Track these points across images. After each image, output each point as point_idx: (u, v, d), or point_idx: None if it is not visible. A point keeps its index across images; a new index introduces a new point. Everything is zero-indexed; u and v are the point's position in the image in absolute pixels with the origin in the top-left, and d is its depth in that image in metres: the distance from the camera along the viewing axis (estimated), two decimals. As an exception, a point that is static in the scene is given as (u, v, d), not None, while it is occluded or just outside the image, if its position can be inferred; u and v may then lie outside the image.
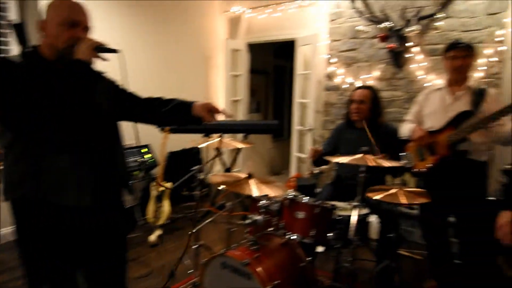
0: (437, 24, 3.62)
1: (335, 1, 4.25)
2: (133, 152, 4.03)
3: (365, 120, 2.73)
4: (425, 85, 3.72)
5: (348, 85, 4.23)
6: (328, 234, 2.12)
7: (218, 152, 2.63)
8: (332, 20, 4.32)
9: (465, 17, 3.56)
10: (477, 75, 3.47)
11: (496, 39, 3.38)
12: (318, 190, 3.08)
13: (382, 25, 3.81)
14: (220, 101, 5.45)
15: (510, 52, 3.30)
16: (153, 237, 3.42)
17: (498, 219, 1.51)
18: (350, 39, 4.19)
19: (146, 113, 1.72)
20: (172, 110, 1.66)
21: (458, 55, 2.47)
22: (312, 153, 2.83)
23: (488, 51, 3.43)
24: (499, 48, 3.35)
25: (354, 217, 1.93)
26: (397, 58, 3.86)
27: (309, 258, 2.14)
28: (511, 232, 1.35)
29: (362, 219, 2.20)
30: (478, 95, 2.46)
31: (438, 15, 3.60)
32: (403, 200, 2.06)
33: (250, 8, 5.14)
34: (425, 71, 3.77)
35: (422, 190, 2.21)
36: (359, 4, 4.02)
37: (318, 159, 2.85)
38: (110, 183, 1.51)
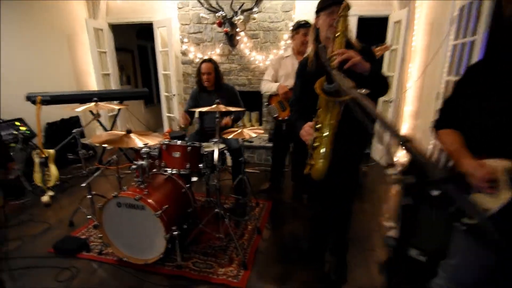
0: (254, 15, 3.74)
1: (181, -8, 3.87)
2: (5, 126, 3.03)
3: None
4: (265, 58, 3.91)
5: (199, 59, 4.06)
6: (199, 165, 2.11)
7: (96, 115, 2.19)
8: (180, 8, 3.94)
9: (270, 12, 3.78)
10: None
11: (290, 29, 3.72)
12: (187, 138, 2.99)
13: (218, 14, 3.71)
14: (91, 75, 4.50)
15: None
16: (45, 198, 2.73)
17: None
18: (196, 24, 3.95)
19: None
20: None
21: (308, 32, 2.49)
22: (184, 119, 2.65)
23: (285, 35, 3.79)
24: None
25: (216, 151, 1.95)
26: (231, 40, 3.88)
27: (188, 185, 2.12)
28: (309, 134, 1.31)
29: (221, 152, 2.26)
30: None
31: (254, 9, 3.72)
32: (248, 135, 2.19)
33: (107, -8, 4.22)
34: (249, 49, 3.93)
35: (259, 127, 2.39)
36: (200, -4, 3.79)
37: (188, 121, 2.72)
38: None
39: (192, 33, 4.00)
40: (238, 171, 2.56)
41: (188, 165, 2.04)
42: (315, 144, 1.25)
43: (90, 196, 2.14)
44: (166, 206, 1.81)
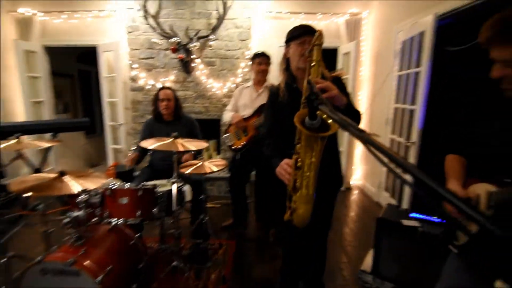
0: (211, 43, 3.64)
1: (131, 16, 3.61)
2: None
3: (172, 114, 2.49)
4: (209, 86, 3.76)
5: (150, 86, 3.76)
6: (153, 210, 1.76)
7: (17, 155, 1.75)
8: (130, 32, 3.66)
9: (227, 40, 3.73)
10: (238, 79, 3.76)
11: (246, 57, 3.70)
12: (137, 173, 2.61)
13: (172, 40, 3.53)
14: (18, 102, 3.84)
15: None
16: None
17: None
18: (148, 49, 3.69)
19: None
20: None
21: (262, 61, 2.50)
22: (131, 162, 2.33)
23: (242, 63, 3.74)
24: (249, 63, 3.65)
25: (174, 191, 1.66)
26: (186, 66, 3.70)
27: (138, 234, 1.76)
28: (288, 172, 1.18)
29: (179, 190, 1.96)
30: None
31: (211, 37, 3.63)
32: (209, 169, 1.95)
33: (42, 12, 3.75)
34: (206, 76, 3.79)
35: (221, 159, 2.16)
36: (152, 22, 3.58)
37: (139, 159, 2.42)
38: None
39: (143, 58, 3.72)
40: (198, 210, 2.26)
41: (138, 212, 1.69)
42: (297, 185, 1.08)
43: (5, 260, 1.64)
44: (110, 267, 1.44)
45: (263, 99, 2.50)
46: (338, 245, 2.55)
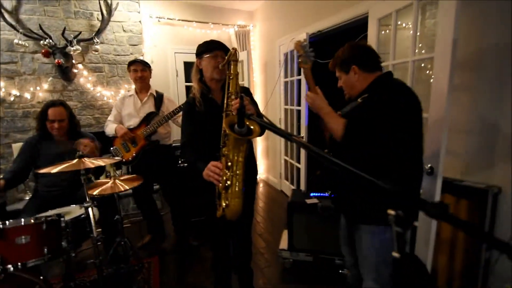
0: (95, 47, 3.24)
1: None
2: None
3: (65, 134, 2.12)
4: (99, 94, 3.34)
5: (13, 98, 3.02)
6: (61, 244, 1.50)
7: None
8: (-26, 30, 2.83)
9: (115, 44, 3.42)
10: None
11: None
12: (16, 206, 2.09)
13: (44, 42, 2.94)
14: None
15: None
16: None
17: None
18: (7, 52, 2.94)
19: None
20: None
21: (137, 68, 2.39)
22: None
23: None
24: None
25: (91, 214, 1.48)
26: (65, 73, 3.15)
27: (42, 277, 1.47)
28: (217, 173, 1.27)
29: (87, 214, 1.73)
30: (158, 99, 2.51)
31: (95, 40, 3.23)
32: (122, 187, 1.81)
33: None
34: (92, 84, 3.35)
35: (133, 175, 2.03)
36: (9, 18, 2.88)
37: (7, 188, 1.94)
38: None
39: (0, 63, 2.94)
40: (113, 233, 2.05)
41: (45, 249, 1.40)
42: (227, 184, 1.22)
43: None
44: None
45: (149, 107, 2.47)
46: (254, 232, 2.84)
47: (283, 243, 2.34)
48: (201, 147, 1.51)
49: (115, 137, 2.42)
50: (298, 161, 3.50)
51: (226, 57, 1.34)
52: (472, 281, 1.62)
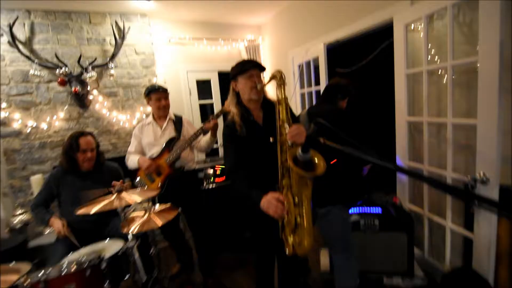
0: (110, 72, 3.20)
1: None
2: None
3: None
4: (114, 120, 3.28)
5: (31, 128, 2.96)
6: (104, 285, 1.39)
7: None
8: (-11, 63, 2.79)
9: (128, 68, 3.39)
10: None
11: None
12: (38, 242, 1.99)
13: (59, 71, 2.90)
14: None
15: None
16: None
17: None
18: (22, 83, 2.90)
19: None
20: None
21: (161, 97, 2.31)
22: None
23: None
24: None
25: (136, 257, 1.38)
26: (81, 100, 3.11)
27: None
28: (279, 207, 1.16)
29: (129, 251, 1.62)
30: (177, 123, 2.41)
31: (110, 65, 3.20)
32: (160, 222, 1.70)
33: None
34: (108, 109, 3.30)
35: (167, 205, 1.91)
36: (24, 49, 2.85)
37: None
38: None
39: (16, 95, 2.89)
40: (150, 267, 1.91)
41: None
42: (298, 221, 1.12)
43: None
44: None
45: (169, 133, 2.35)
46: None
47: (324, 264, 2.21)
48: (250, 175, 1.42)
49: (138, 169, 2.32)
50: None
51: (268, 78, 1.27)
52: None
